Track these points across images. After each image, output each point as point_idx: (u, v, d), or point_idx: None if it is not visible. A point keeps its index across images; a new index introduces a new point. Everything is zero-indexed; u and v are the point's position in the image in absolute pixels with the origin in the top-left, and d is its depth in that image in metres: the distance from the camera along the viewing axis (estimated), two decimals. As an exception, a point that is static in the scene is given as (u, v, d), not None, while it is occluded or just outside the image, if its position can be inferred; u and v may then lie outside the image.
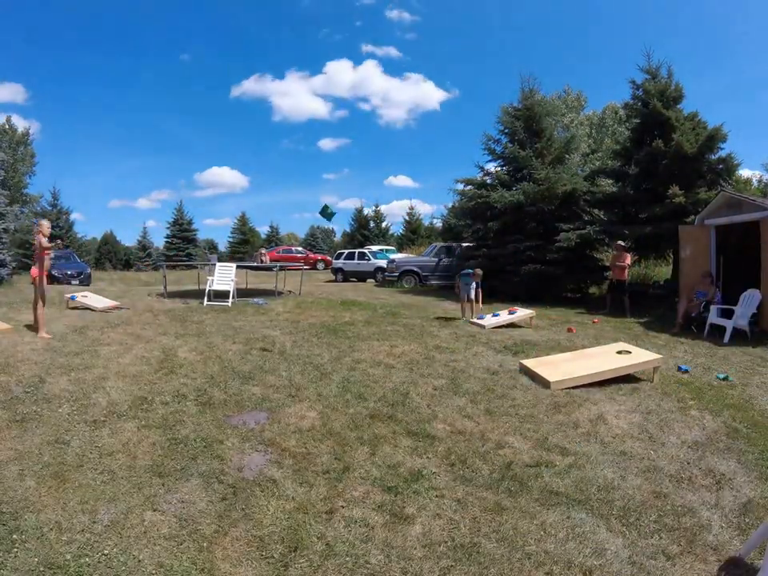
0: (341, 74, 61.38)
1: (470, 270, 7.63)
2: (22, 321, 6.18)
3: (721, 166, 9.64)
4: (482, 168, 11.91)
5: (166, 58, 58.47)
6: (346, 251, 19.06)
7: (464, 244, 12.85)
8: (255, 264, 12.18)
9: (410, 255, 19.19)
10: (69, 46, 52.77)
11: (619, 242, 8.95)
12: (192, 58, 55.96)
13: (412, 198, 70.94)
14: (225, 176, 66.37)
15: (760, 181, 26.41)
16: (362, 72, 60.57)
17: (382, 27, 58.49)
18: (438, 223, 26.50)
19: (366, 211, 32.96)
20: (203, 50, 57.50)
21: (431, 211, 73.28)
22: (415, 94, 61.56)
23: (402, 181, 65.47)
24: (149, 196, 72.26)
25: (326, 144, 64.37)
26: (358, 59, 65.23)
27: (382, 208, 33.63)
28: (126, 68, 57.09)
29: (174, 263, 22.18)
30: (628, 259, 8.66)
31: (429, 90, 60.49)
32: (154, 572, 1.84)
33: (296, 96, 60.91)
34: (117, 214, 59.69)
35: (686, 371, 4.61)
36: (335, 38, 60.08)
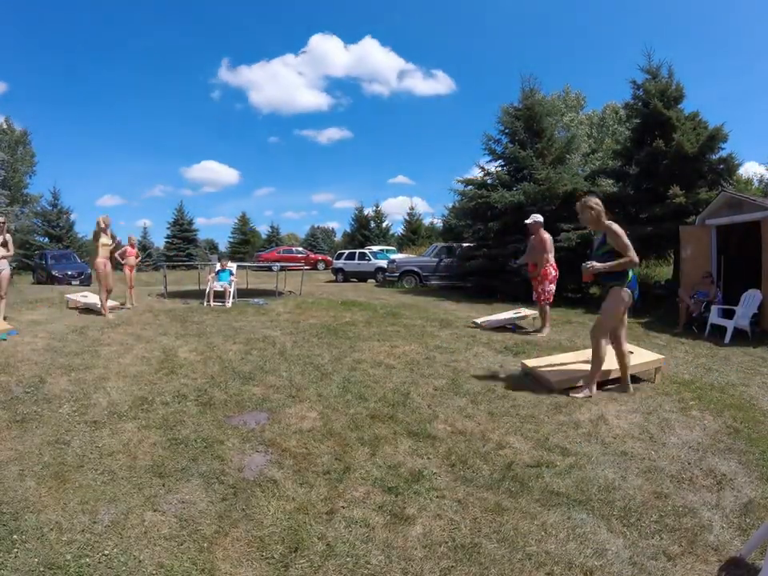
0: (329, 53, 58.87)
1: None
2: (23, 321, 6.18)
3: (722, 166, 9.65)
4: (482, 168, 11.91)
5: (124, 45, 56.91)
6: (347, 251, 19.08)
7: (464, 244, 12.85)
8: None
9: (411, 255, 19.20)
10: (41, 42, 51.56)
11: None
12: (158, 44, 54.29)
13: (411, 196, 70.08)
14: (215, 172, 65.00)
15: (761, 180, 26.42)
16: (355, 52, 58.03)
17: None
18: (439, 223, 26.54)
19: (366, 211, 33.03)
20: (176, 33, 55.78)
21: (430, 210, 72.56)
22: (411, 86, 60.83)
23: (400, 179, 65.03)
24: (140, 194, 69.33)
25: (318, 138, 63.09)
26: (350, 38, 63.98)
27: (372, 204, 33.59)
28: (94, 56, 56.02)
29: (174, 263, 22.20)
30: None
31: (425, 85, 60.08)
32: (154, 572, 1.84)
33: (280, 82, 58.85)
34: (107, 212, 59.16)
35: None
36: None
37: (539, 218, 6.42)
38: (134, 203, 63.23)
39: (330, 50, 59.36)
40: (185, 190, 62.94)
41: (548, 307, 6.28)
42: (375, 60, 60.12)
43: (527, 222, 6.45)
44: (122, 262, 8.85)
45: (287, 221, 64.30)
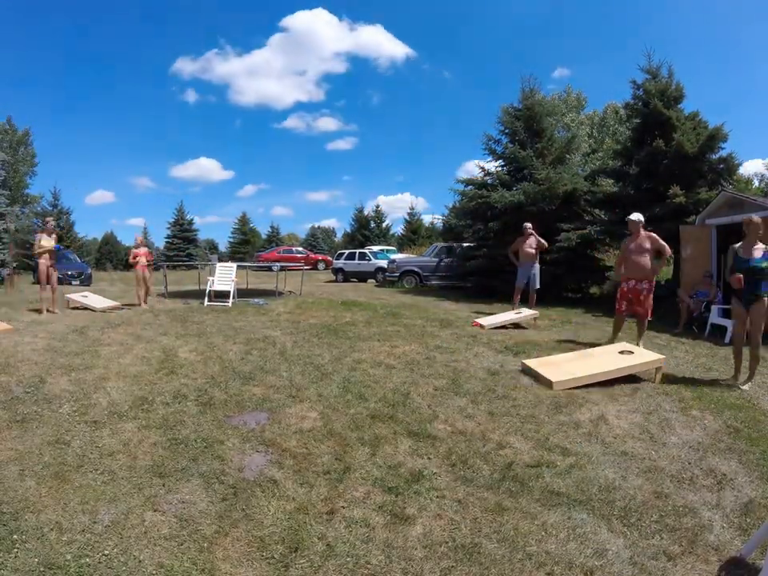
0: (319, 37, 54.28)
1: None
2: (23, 321, 6.18)
3: (722, 166, 9.64)
4: (482, 168, 11.90)
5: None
6: (347, 251, 19.07)
7: (465, 244, 12.84)
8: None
9: (411, 255, 19.19)
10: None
11: None
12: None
13: (414, 195, 69.02)
14: (205, 170, 62.47)
15: (762, 180, 26.45)
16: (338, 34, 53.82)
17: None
18: (439, 223, 26.52)
19: (366, 211, 33.06)
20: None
21: (428, 207, 71.45)
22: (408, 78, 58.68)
23: (398, 178, 63.97)
24: (130, 192, 65.18)
25: (309, 132, 60.14)
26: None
27: (371, 203, 33.56)
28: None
29: (175, 263, 22.19)
30: None
31: (423, 80, 58.62)
32: (154, 572, 1.84)
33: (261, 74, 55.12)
34: (100, 210, 58.15)
35: None
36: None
37: (641, 216, 5.49)
38: (125, 201, 62.15)
39: (320, 34, 54.90)
40: (175, 188, 62.13)
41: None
42: (369, 45, 57.65)
43: (631, 218, 5.45)
44: (132, 263, 8.76)
45: (280, 218, 63.16)
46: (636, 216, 5.43)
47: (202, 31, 60.17)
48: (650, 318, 5.56)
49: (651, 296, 5.45)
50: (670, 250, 5.43)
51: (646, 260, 5.27)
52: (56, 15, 53.03)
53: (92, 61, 56.64)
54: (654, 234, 5.38)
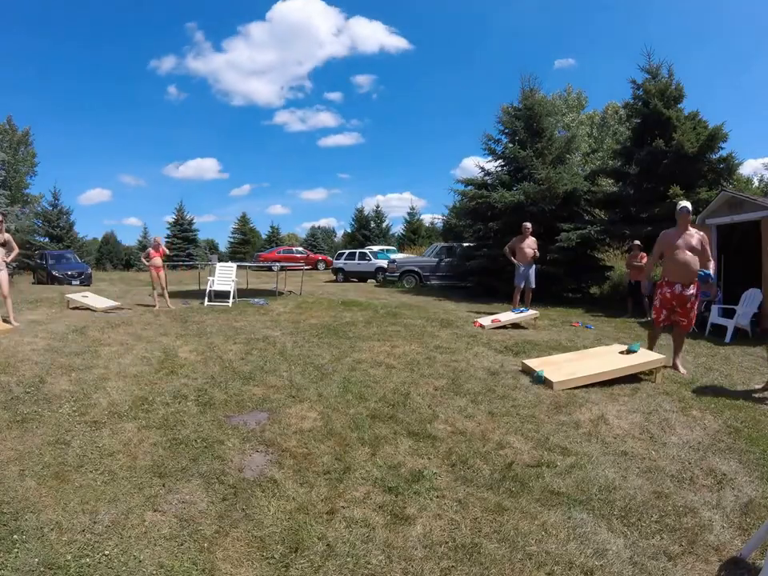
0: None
1: None
2: (23, 321, 6.18)
3: (722, 166, 9.64)
4: (482, 168, 11.91)
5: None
6: (347, 251, 19.08)
7: (465, 244, 12.85)
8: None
9: (411, 255, 19.20)
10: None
11: (636, 242, 8.69)
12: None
13: (403, 192, 68.55)
14: (200, 169, 62.09)
15: (761, 180, 26.45)
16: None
17: None
18: (439, 223, 26.50)
19: (366, 210, 33.07)
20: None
21: (422, 203, 70.91)
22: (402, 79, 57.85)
23: (395, 177, 63.45)
24: (124, 191, 65.46)
25: (304, 129, 59.68)
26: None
27: (367, 203, 33.53)
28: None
29: (175, 263, 22.18)
30: (645, 259, 8.45)
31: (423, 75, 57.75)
32: (154, 572, 1.84)
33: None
34: (93, 210, 57.82)
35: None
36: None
37: (690, 206, 4.51)
38: (119, 201, 61.56)
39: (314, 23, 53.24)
40: (170, 187, 61.89)
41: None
42: (367, 40, 56.42)
43: (686, 205, 4.45)
44: (147, 264, 8.59)
45: (277, 217, 62.99)
46: (688, 205, 4.47)
47: (187, 24, 59.65)
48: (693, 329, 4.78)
49: (697, 304, 4.68)
50: (715, 266, 4.57)
51: (696, 260, 4.36)
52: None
53: (86, 60, 56.55)
54: (705, 235, 4.47)
